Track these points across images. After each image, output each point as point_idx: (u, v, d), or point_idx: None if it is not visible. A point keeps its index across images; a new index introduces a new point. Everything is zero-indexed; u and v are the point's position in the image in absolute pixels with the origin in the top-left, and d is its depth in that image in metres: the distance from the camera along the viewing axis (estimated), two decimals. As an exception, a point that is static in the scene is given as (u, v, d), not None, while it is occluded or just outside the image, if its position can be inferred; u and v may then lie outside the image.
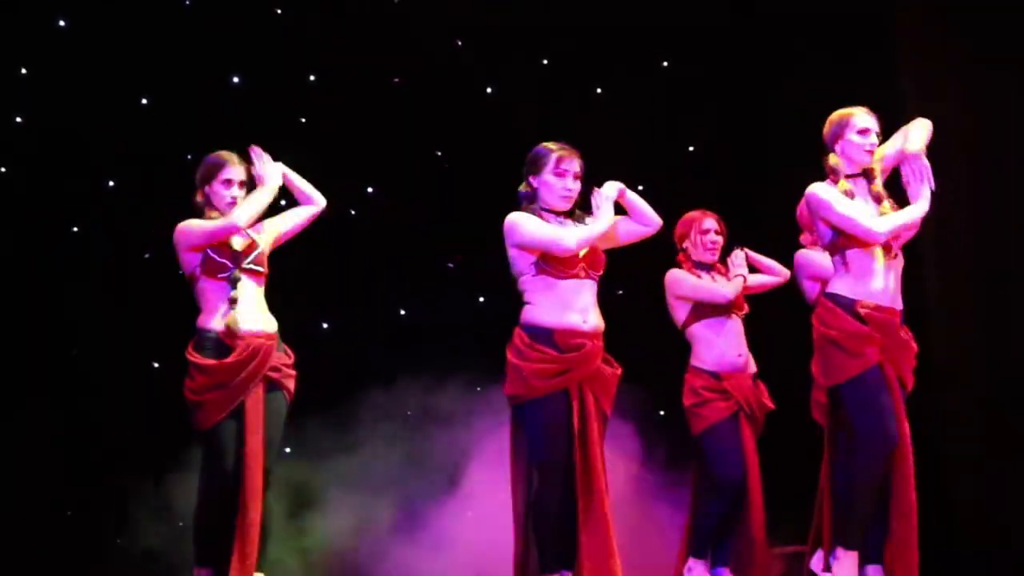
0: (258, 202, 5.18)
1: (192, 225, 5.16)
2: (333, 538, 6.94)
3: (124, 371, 6.95)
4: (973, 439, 6.90)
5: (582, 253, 5.03)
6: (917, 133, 5.09)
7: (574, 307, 5.01)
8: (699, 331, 6.08)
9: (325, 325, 7.46)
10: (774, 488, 6.12)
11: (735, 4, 7.88)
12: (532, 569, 5.00)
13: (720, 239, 6.18)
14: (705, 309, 6.08)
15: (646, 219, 5.21)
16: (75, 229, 7.10)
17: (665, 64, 8.06)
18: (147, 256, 7.05)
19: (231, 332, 5.08)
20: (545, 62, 7.91)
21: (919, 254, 6.39)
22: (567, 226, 5.07)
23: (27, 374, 6.86)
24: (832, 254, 5.09)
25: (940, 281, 6.94)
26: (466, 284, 7.61)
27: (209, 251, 5.13)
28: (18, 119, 7.00)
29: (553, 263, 4.99)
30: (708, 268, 6.17)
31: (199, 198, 5.24)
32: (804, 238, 5.99)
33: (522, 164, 5.14)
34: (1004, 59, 6.83)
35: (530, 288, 5.03)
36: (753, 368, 6.12)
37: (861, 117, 5.07)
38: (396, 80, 7.67)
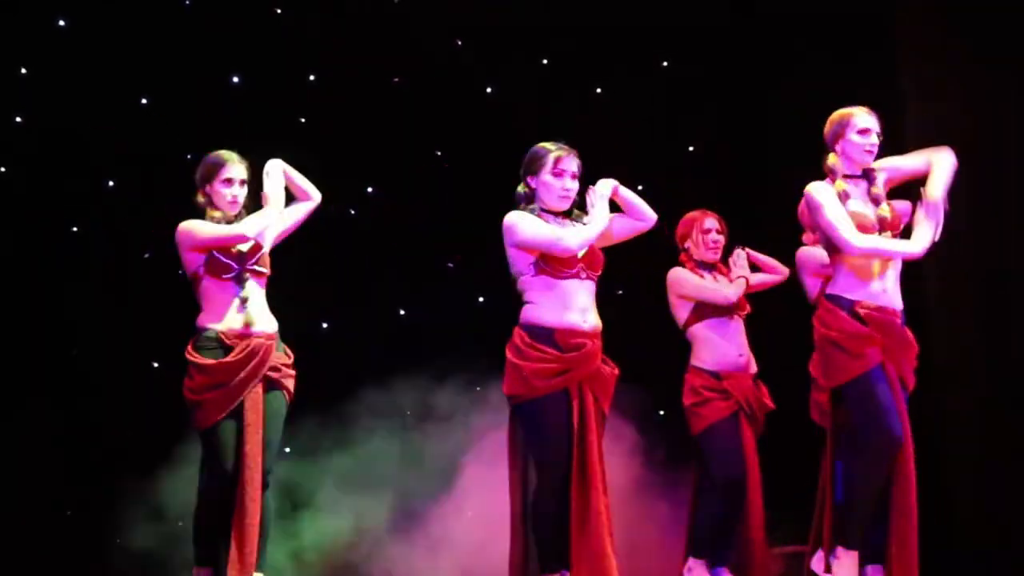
0: (267, 217, 5.21)
1: (198, 226, 5.16)
2: (333, 537, 6.93)
3: (124, 371, 6.95)
4: (973, 439, 6.89)
5: (581, 253, 5.04)
6: (941, 177, 5.03)
7: (574, 307, 5.01)
8: (700, 331, 6.09)
9: (325, 325, 7.46)
10: (774, 488, 6.12)
11: (735, 4, 7.88)
12: (531, 569, 4.99)
13: (722, 238, 6.19)
14: (707, 309, 6.08)
15: (641, 215, 5.21)
16: (75, 229, 7.10)
17: (665, 64, 8.06)
18: (147, 256, 7.05)
19: (249, 328, 5.10)
20: (545, 62, 7.91)
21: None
22: (565, 226, 5.07)
23: (27, 374, 6.86)
24: (831, 254, 5.09)
25: (940, 281, 6.93)
26: (466, 284, 7.61)
27: (214, 252, 5.13)
28: (18, 119, 7.00)
29: (552, 263, 4.99)
30: (710, 268, 6.17)
31: (200, 198, 5.25)
32: (806, 237, 5.99)
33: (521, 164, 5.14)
34: (1004, 59, 6.82)
35: (530, 288, 5.04)
36: (754, 368, 6.12)
37: (861, 117, 5.07)
38: (396, 80, 7.66)
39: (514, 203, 5.10)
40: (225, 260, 5.14)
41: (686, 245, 6.19)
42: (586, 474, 4.93)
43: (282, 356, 5.24)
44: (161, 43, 7.03)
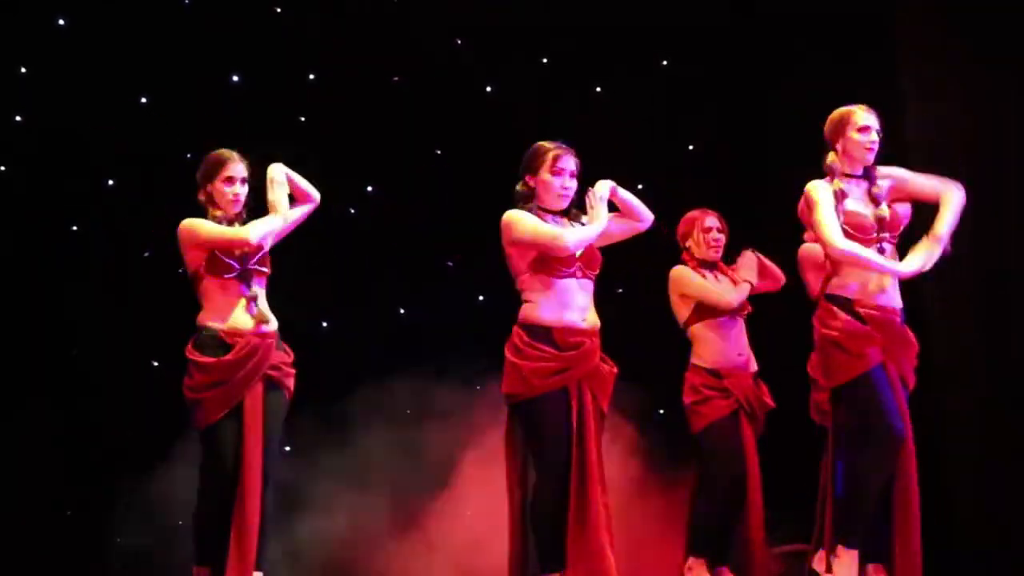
0: (272, 224, 5.21)
1: (201, 225, 5.16)
2: (332, 536, 6.93)
3: (124, 371, 6.95)
4: (973, 439, 6.89)
5: (579, 253, 5.04)
6: (949, 216, 5.02)
7: (572, 306, 5.02)
8: (701, 330, 6.09)
9: (325, 324, 7.46)
10: (774, 488, 6.12)
11: (735, 4, 7.88)
12: (531, 568, 4.99)
13: (722, 237, 6.19)
14: (708, 308, 6.08)
15: (639, 215, 5.22)
16: (75, 229, 7.10)
17: (665, 64, 8.06)
18: (147, 256, 7.05)
19: (261, 326, 5.11)
20: (545, 62, 7.91)
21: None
22: (564, 225, 5.07)
23: (27, 374, 6.86)
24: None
25: (940, 281, 6.93)
26: (465, 283, 7.61)
27: (216, 251, 5.13)
28: (18, 119, 7.00)
29: (550, 262, 4.99)
30: (712, 266, 6.18)
31: (202, 197, 5.25)
32: (808, 234, 5.98)
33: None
34: (1004, 59, 6.82)
35: (528, 287, 5.04)
36: (754, 367, 6.12)
37: (861, 115, 5.08)
38: (396, 80, 7.66)
39: (513, 202, 5.11)
40: (228, 260, 5.14)
41: (687, 244, 6.20)
42: (585, 473, 4.93)
43: (282, 354, 5.25)
44: (161, 43, 7.02)
